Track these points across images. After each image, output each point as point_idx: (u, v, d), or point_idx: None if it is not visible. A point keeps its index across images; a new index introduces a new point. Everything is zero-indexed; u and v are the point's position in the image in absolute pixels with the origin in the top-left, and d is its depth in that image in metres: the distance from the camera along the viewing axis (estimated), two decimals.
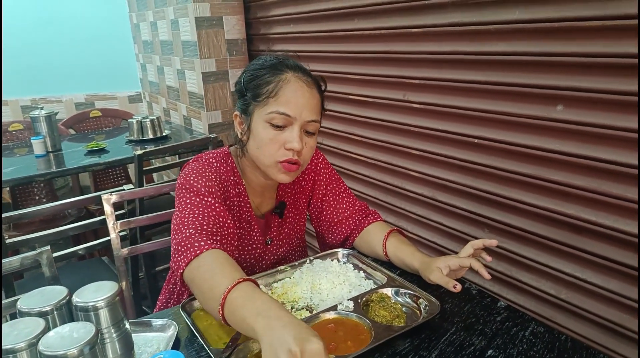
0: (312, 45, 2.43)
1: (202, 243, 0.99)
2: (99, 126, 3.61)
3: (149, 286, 2.62)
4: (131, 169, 3.72)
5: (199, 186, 1.12)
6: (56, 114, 2.78)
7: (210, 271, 0.93)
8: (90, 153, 2.69)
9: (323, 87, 1.18)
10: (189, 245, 1.00)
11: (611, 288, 1.39)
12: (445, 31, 1.69)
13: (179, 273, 1.01)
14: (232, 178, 1.21)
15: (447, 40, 1.70)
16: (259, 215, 1.27)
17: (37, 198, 3.20)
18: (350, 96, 2.21)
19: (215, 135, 2.64)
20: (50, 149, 2.71)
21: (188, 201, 1.09)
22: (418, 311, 1.04)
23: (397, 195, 2.12)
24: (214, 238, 1.03)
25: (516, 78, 1.50)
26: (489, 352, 0.91)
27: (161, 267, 2.63)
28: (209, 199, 1.10)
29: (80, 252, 1.94)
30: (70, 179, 3.47)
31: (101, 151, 2.73)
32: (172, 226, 1.11)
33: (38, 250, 1.27)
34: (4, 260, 1.26)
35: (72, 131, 3.47)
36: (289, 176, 1.14)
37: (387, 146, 2.09)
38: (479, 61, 1.61)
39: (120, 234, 1.68)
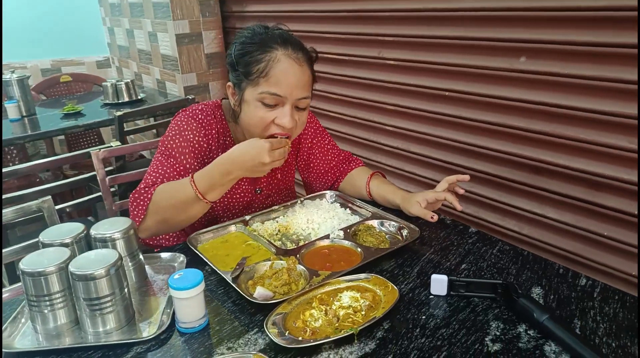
0: (287, 5, 2.47)
1: (149, 189, 1.15)
2: (69, 91, 3.56)
3: None
4: (104, 133, 3.71)
5: (173, 145, 1.20)
6: (28, 77, 2.74)
7: (170, 194, 1.13)
8: (67, 116, 2.69)
9: (313, 61, 1.19)
10: (138, 200, 1.15)
11: (566, 221, 1.57)
12: None
13: (137, 223, 1.14)
14: (219, 129, 1.26)
15: None
16: None
17: (10, 164, 3.16)
18: (327, 55, 2.28)
19: (192, 96, 2.68)
20: (24, 114, 2.69)
21: (159, 157, 1.21)
22: (400, 238, 1.17)
23: (373, 149, 2.24)
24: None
25: (483, 32, 1.62)
26: (463, 265, 1.06)
27: None
28: (172, 160, 1.20)
29: (67, 209, 1.99)
30: (45, 145, 3.43)
31: (78, 114, 2.73)
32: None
33: (40, 200, 1.33)
34: (6, 210, 1.31)
35: (42, 97, 3.41)
36: None
37: (363, 103, 2.19)
38: (449, 17, 1.72)
39: (110, 190, 1.74)
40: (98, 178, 1.72)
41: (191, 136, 1.21)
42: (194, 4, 2.91)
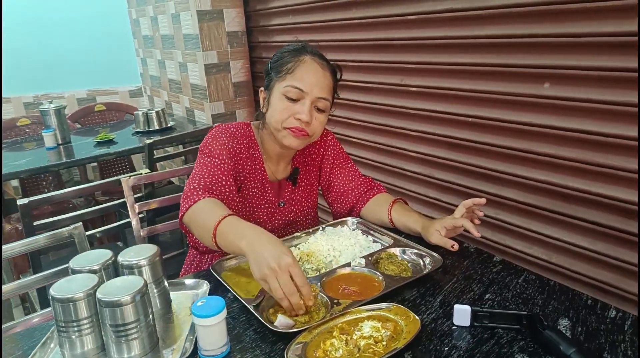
0: (311, 35, 2.53)
1: (200, 193, 1.18)
2: (103, 120, 3.70)
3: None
4: (136, 160, 3.83)
5: (211, 148, 1.30)
6: (64, 107, 2.87)
7: (203, 213, 1.14)
8: (100, 144, 2.79)
9: (339, 75, 1.36)
10: (189, 196, 1.19)
11: (598, 250, 1.52)
12: (440, 17, 1.81)
13: (179, 217, 1.21)
14: (248, 143, 1.37)
15: (441, 26, 1.81)
16: (273, 180, 1.41)
17: (45, 190, 3.29)
18: (350, 83, 2.32)
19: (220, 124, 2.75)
20: (60, 142, 2.81)
21: (200, 161, 1.30)
22: (423, 267, 1.16)
23: (396, 175, 2.24)
24: (211, 191, 1.21)
25: (506, 59, 1.62)
26: (487, 295, 1.04)
27: (168, 255, 2.73)
28: (216, 160, 1.28)
29: (97, 235, 2.06)
30: (79, 172, 3.56)
31: (110, 142, 2.83)
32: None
33: (72, 226, 1.38)
34: (38, 237, 1.36)
35: (77, 125, 3.56)
36: (297, 140, 1.27)
37: (386, 129, 2.21)
38: (471, 44, 1.73)
39: (139, 216, 1.79)
40: (127, 204, 1.77)
41: (226, 141, 1.32)
42: (222, 36, 3.01)
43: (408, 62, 2.00)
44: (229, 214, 1.07)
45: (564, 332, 0.90)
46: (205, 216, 1.12)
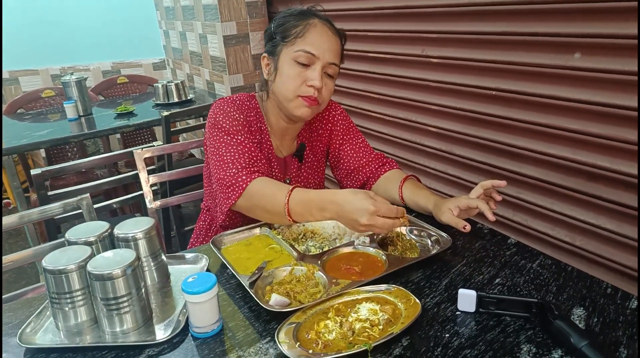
0: (330, 4, 2.43)
1: (244, 176, 1.15)
2: (126, 92, 3.72)
3: (180, 244, 2.75)
4: (158, 132, 3.84)
5: (226, 125, 1.23)
6: (86, 79, 2.88)
7: (264, 195, 1.13)
8: (120, 116, 2.80)
9: (343, 41, 1.28)
10: (234, 182, 1.16)
11: (625, 233, 1.42)
12: None
13: (228, 205, 1.16)
14: (255, 115, 1.31)
15: None
16: (279, 155, 1.37)
17: (70, 161, 3.34)
18: (369, 54, 2.23)
19: None
20: (81, 113, 2.83)
21: (222, 140, 1.22)
22: (431, 247, 1.10)
23: (416, 151, 2.16)
24: (252, 169, 1.18)
25: (533, 27, 1.51)
26: (497, 280, 0.98)
27: (190, 227, 2.75)
28: (239, 137, 1.22)
29: (114, 206, 2.07)
30: (102, 144, 3.61)
31: (130, 114, 2.83)
32: (212, 164, 1.23)
33: (79, 197, 1.37)
34: (47, 206, 1.37)
35: (101, 97, 3.58)
36: (310, 109, 1.22)
37: (406, 103, 2.12)
38: (496, 11, 1.61)
39: (152, 188, 1.78)
40: (140, 177, 1.76)
41: (237, 114, 1.26)
42: (241, 6, 2.94)
43: (429, 32, 1.89)
44: (293, 188, 1.09)
45: (577, 322, 0.84)
46: (269, 197, 1.11)
